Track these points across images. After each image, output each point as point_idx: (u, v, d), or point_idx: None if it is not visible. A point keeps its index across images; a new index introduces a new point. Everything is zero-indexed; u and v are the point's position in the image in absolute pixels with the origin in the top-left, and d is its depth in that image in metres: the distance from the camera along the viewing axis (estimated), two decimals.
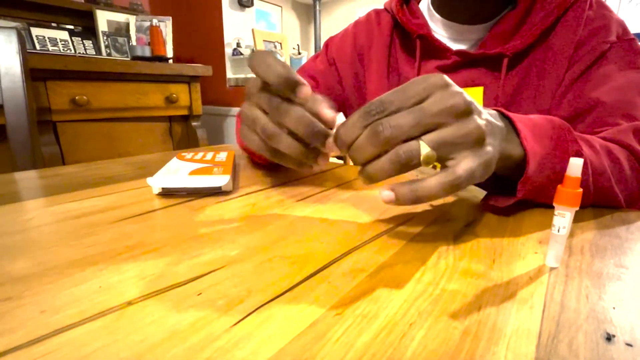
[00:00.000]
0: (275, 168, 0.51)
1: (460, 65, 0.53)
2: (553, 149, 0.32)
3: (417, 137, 0.25)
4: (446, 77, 0.26)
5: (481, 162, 0.26)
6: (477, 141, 0.26)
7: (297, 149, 0.31)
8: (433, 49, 0.54)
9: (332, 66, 0.65)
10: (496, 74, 0.51)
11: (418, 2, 0.61)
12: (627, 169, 0.38)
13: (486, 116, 0.28)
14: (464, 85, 0.53)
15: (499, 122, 0.30)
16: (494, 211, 0.35)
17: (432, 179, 0.26)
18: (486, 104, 0.52)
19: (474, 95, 0.52)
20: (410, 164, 0.25)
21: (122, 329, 0.18)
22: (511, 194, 0.33)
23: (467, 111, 0.25)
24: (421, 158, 0.25)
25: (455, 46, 0.55)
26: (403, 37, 0.59)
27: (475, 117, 0.26)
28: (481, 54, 0.50)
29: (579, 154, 0.32)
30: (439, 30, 0.57)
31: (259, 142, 0.33)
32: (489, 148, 0.26)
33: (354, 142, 0.26)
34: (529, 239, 0.29)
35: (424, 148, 0.25)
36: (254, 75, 0.31)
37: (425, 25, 0.55)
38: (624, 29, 0.48)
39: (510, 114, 0.32)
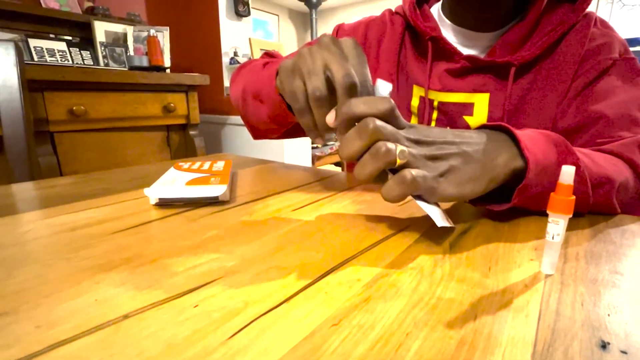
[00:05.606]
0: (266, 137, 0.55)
1: (468, 71, 0.53)
2: (554, 160, 0.33)
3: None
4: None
5: (434, 174, 0.30)
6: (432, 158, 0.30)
7: (325, 100, 0.32)
8: (443, 52, 0.55)
9: None
10: (503, 82, 0.52)
11: (430, 7, 0.62)
12: (628, 181, 0.39)
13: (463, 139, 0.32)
14: (471, 90, 0.53)
15: (488, 138, 0.33)
16: (489, 216, 0.35)
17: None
18: (492, 111, 0.53)
19: (480, 102, 0.53)
20: (388, 159, 0.28)
21: (119, 342, 0.18)
22: (506, 200, 0.33)
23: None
24: (397, 151, 0.28)
25: (464, 51, 0.55)
26: (414, 39, 0.60)
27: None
28: (490, 61, 0.51)
29: (576, 165, 0.33)
30: (449, 35, 0.58)
31: (299, 83, 0.34)
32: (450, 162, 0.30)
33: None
34: (524, 246, 0.29)
35: (399, 146, 0.29)
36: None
37: (437, 28, 0.56)
38: (626, 49, 0.50)
39: (512, 128, 0.33)
